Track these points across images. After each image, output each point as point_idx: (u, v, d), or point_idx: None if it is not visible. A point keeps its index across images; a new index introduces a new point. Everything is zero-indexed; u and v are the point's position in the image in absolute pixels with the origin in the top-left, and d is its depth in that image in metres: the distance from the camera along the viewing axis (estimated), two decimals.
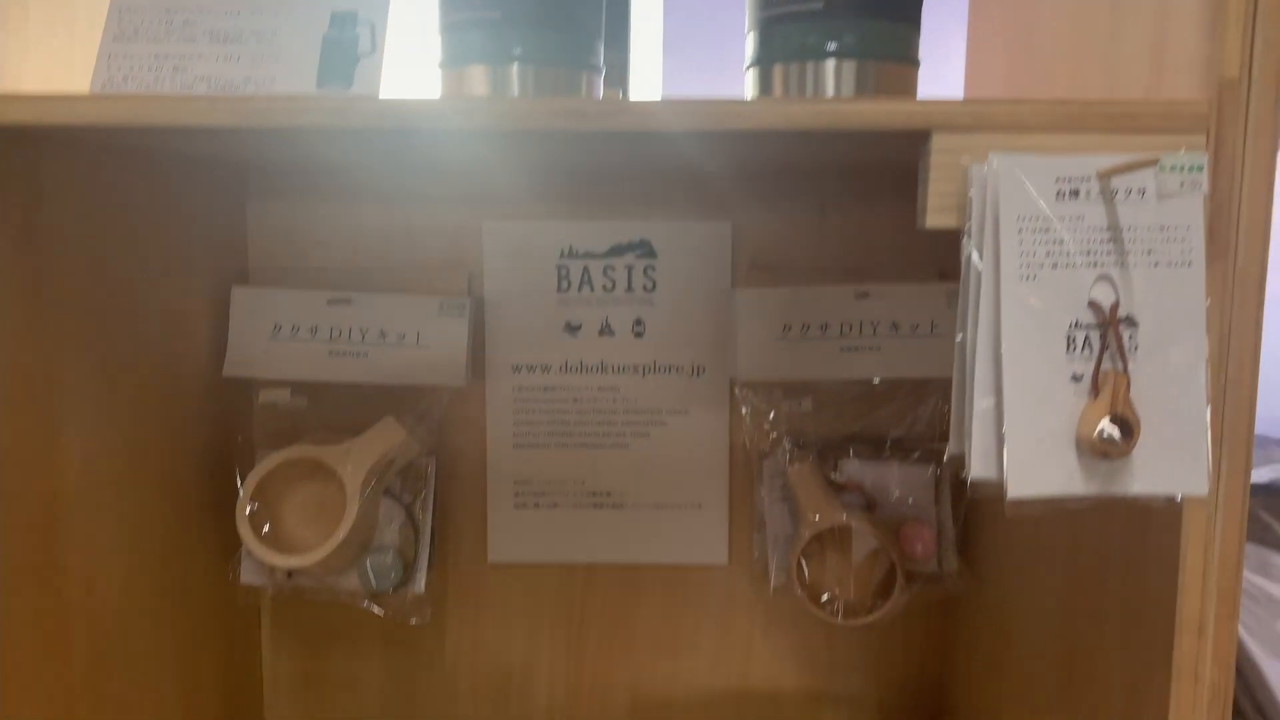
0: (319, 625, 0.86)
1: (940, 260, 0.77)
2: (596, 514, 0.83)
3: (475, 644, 0.86)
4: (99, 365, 0.63)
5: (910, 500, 0.76)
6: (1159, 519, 0.48)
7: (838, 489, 0.76)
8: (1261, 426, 0.49)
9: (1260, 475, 1.32)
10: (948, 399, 0.47)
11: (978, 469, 0.45)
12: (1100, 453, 0.44)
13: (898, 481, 0.77)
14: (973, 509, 0.77)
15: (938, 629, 0.84)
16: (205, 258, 0.76)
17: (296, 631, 0.86)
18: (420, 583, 0.75)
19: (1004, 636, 0.71)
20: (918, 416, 0.78)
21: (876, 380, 0.76)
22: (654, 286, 0.81)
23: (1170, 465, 0.45)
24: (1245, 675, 0.98)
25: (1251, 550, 1.20)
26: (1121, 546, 0.54)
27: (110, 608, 0.64)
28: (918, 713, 0.85)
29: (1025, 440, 0.45)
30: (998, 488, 0.45)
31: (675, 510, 0.83)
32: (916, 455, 0.77)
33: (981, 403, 0.45)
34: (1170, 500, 0.45)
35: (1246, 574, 0.69)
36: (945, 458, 0.51)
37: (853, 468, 0.77)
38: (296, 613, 0.86)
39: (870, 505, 0.76)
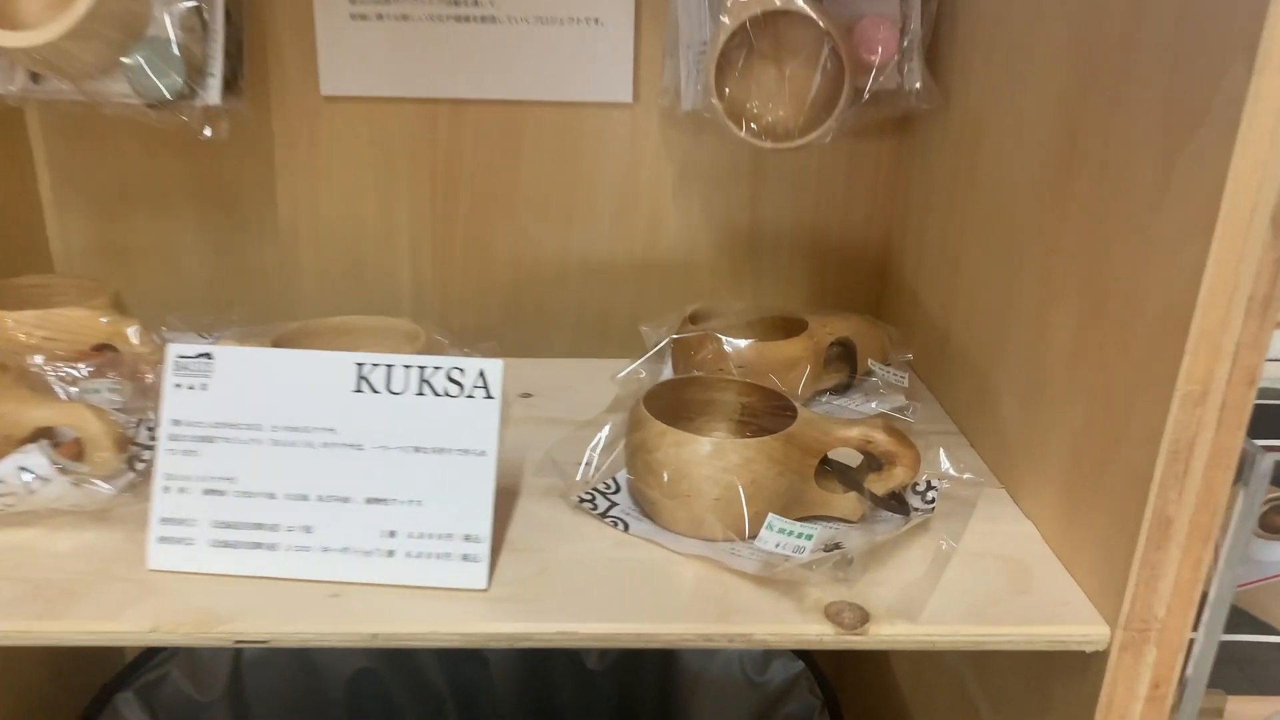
0: (111, 182, 0.67)
1: None
2: (462, 30, 0.64)
3: (313, 209, 0.68)
4: None
5: None
6: None
7: None
8: None
9: None
10: None
11: None
12: None
13: None
14: (947, 8, 0.60)
15: (890, 162, 0.68)
16: None
17: (85, 191, 0.68)
18: (214, 92, 0.56)
19: (971, 176, 0.56)
20: None
21: None
22: None
23: None
24: None
25: None
26: None
27: None
28: (858, 266, 0.71)
29: None
30: None
31: (566, 26, 0.64)
32: None
33: None
34: None
35: None
36: None
37: None
38: (82, 167, 0.67)
39: None
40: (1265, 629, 0.63)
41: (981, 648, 0.40)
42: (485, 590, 0.41)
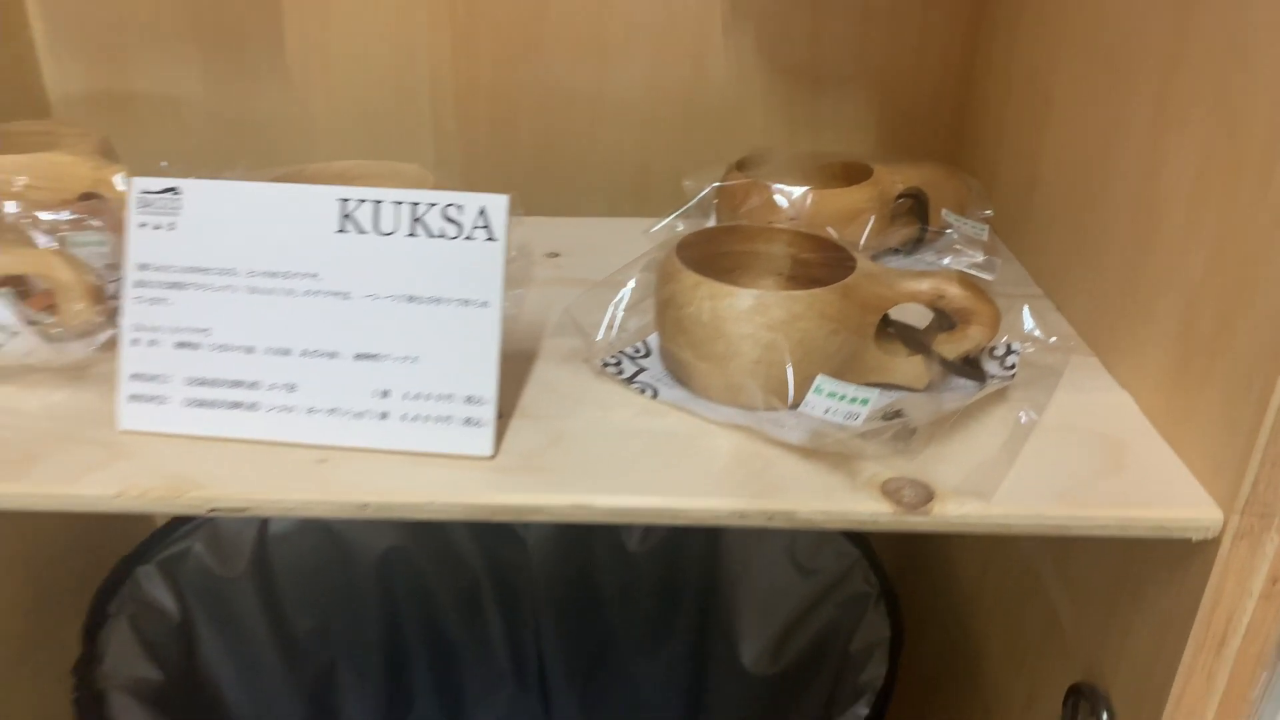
0: (109, 24, 0.62)
1: None
2: None
3: (324, 51, 0.62)
4: None
5: None
6: None
7: None
8: None
9: None
10: None
11: None
12: None
13: None
14: None
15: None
16: None
17: (81, 33, 0.62)
18: None
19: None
20: None
21: None
22: None
23: None
24: None
25: None
26: None
27: None
28: (934, 108, 0.63)
29: None
30: None
31: None
32: None
33: None
34: None
35: None
36: None
37: None
38: (78, 8, 0.61)
39: None
40: None
41: (1066, 534, 0.34)
42: (491, 458, 0.36)
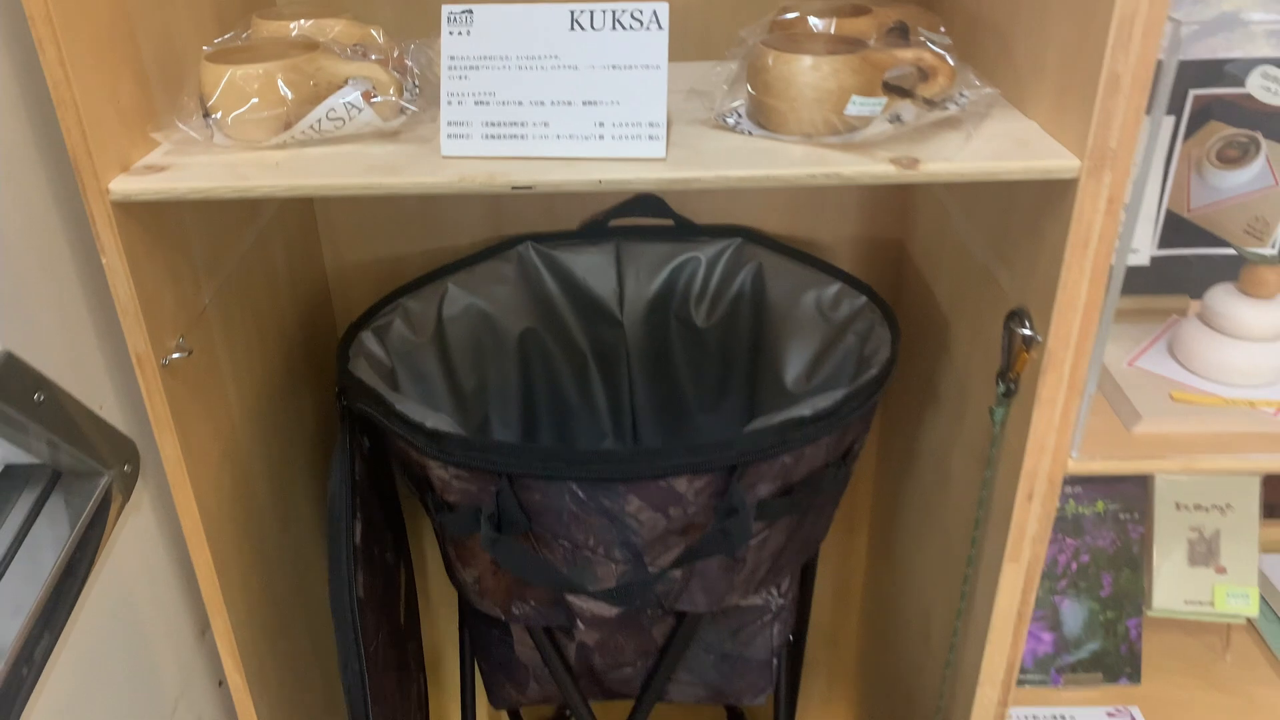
0: None
1: None
2: None
3: None
4: None
5: None
6: None
7: None
8: None
9: None
10: None
11: None
12: None
13: None
14: None
15: None
16: None
17: None
18: None
19: None
20: None
21: None
22: None
23: None
24: None
25: None
26: None
27: None
28: None
29: None
30: None
31: None
32: None
33: None
34: None
35: None
36: None
37: None
38: None
39: None
40: (1220, 243, 0.83)
41: (996, 178, 0.60)
42: (663, 160, 0.62)
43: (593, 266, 0.97)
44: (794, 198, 0.99)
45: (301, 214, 0.96)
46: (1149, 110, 0.59)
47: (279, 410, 0.88)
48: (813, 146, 0.63)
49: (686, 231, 0.97)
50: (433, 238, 1.00)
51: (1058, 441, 0.68)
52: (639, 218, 0.97)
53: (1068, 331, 0.64)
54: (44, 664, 0.61)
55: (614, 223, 0.97)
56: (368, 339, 0.87)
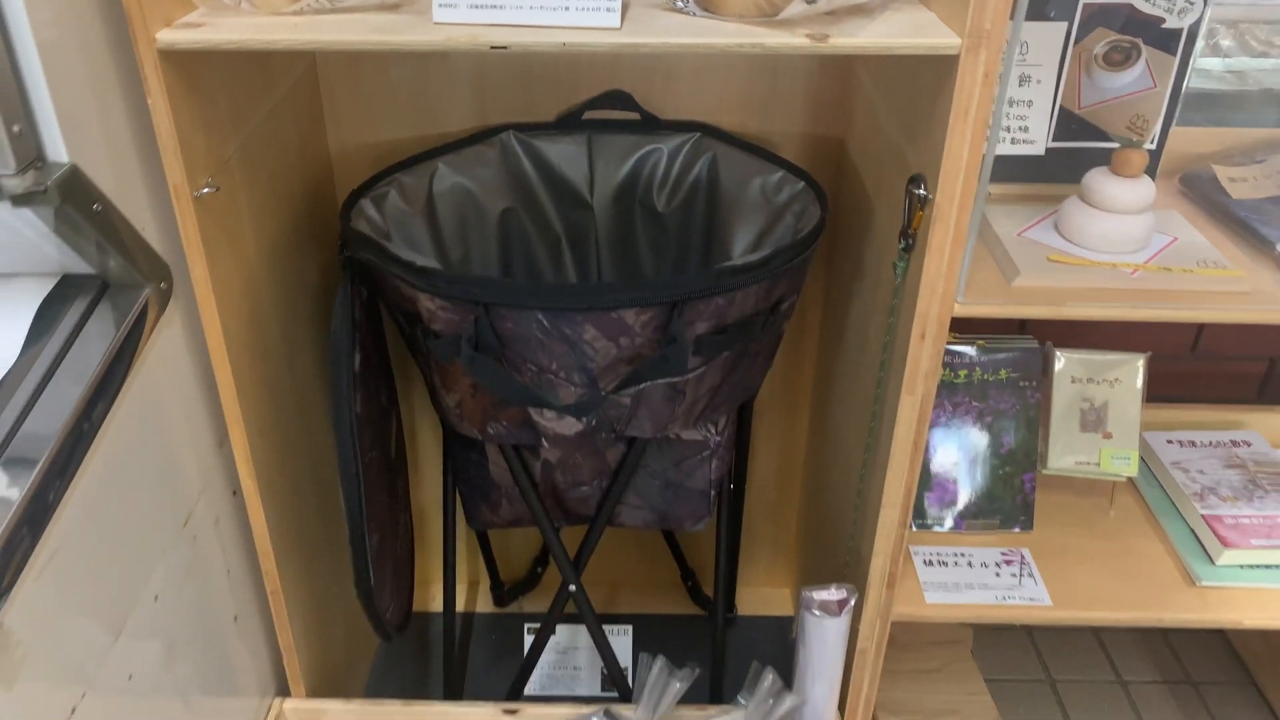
0: None
1: None
2: None
3: None
4: None
5: None
6: None
7: None
8: None
9: None
10: None
11: None
12: None
13: None
14: None
15: None
16: None
17: None
18: None
19: None
20: None
21: None
22: None
23: None
24: None
25: None
26: None
27: None
28: None
29: None
30: None
31: None
32: None
33: None
34: None
35: None
36: None
37: None
38: None
39: None
40: (1107, 138, 0.96)
41: (891, 53, 0.73)
42: (618, 29, 0.74)
43: (567, 155, 1.09)
44: (749, 98, 1.11)
45: (310, 95, 1.08)
46: None
47: (288, 261, 1.01)
48: (743, 23, 0.76)
49: (651, 125, 1.09)
50: (425, 125, 1.12)
51: (945, 287, 0.81)
52: (610, 111, 1.09)
53: (953, 189, 0.77)
54: (86, 452, 0.74)
55: (587, 115, 1.09)
56: (366, 205, 0.99)
